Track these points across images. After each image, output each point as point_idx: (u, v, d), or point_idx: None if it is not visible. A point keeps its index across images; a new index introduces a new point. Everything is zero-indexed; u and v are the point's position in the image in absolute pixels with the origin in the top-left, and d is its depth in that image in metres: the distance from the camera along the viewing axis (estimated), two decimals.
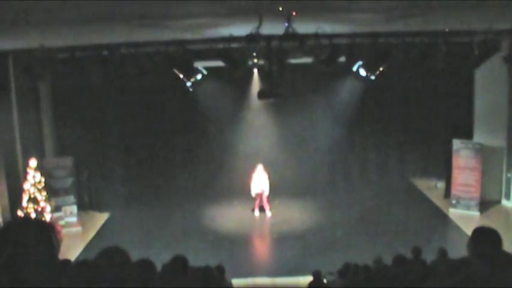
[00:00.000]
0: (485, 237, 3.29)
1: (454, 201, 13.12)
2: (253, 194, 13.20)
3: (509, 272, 3.08)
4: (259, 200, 13.26)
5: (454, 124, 13.91)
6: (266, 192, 13.15)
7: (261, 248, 12.37)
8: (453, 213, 12.95)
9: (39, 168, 11.91)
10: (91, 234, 12.40)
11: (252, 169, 13.32)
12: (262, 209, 13.38)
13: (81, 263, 3.53)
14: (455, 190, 13.13)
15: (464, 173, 12.95)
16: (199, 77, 11.64)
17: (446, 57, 9.97)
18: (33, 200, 11.64)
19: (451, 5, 7.20)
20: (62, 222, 12.37)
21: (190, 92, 12.99)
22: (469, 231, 3.98)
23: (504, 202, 13.54)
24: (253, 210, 13.40)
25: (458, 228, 11.79)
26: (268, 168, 13.38)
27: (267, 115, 15.42)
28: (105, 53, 10.04)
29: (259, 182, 13.09)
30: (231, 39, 9.27)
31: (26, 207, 11.57)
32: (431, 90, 14.52)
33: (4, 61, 11.85)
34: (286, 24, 8.21)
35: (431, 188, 15.03)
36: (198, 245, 11.19)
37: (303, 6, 7.21)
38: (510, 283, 3.03)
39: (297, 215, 13.41)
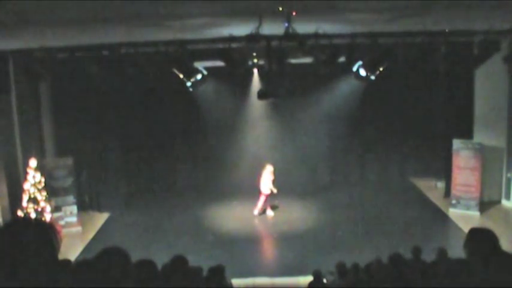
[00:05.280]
0: (482, 237, 3.29)
1: (454, 201, 13.12)
2: (264, 192, 13.14)
3: (508, 272, 3.08)
4: (263, 200, 13.20)
5: (454, 124, 13.90)
6: (275, 192, 13.13)
7: (261, 248, 12.36)
8: (453, 213, 12.95)
9: (39, 168, 11.90)
10: (91, 234, 12.40)
11: (260, 169, 13.25)
12: (262, 210, 13.38)
13: (81, 263, 3.52)
14: (455, 190, 13.13)
15: (464, 173, 12.95)
16: (199, 77, 11.60)
17: (446, 57, 9.98)
18: (33, 200, 11.63)
19: (451, 5, 7.20)
20: (62, 222, 12.37)
21: (190, 92, 12.98)
22: None
23: (504, 202, 13.54)
24: (264, 211, 13.33)
25: (458, 228, 11.78)
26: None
27: (267, 115, 15.42)
28: (105, 53, 10.05)
29: (268, 182, 13.06)
30: (231, 39, 9.28)
31: (26, 207, 11.56)
32: (431, 90, 14.52)
33: (4, 61, 11.85)
34: (286, 24, 8.21)
35: (431, 188, 15.03)
36: (198, 245, 11.20)
37: (303, 6, 7.21)
38: (509, 283, 3.03)
39: (297, 215, 13.41)
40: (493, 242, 3.24)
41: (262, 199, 13.19)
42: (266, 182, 13.06)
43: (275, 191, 13.08)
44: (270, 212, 13.36)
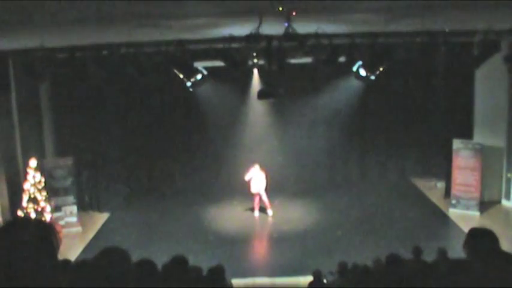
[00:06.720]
0: (482, 237, 3.29)
1: (454, 201, 13.12)
2: (253, 191, 13.16)
3: (508, 271, 3.08)
4: (258, 200, 13.25)
5: (454, 124, 13.91)
6: (261, 192, 13.13)
7: (261, 248, 12.37)
8: (453, 213, 12.95)
9: (39, 168, 11.90)
10: (91, 234, 12.40)
11: (247, 169, 13.24)
12: (262, 209, 13.38)
13: (81, 263, 3.53)
14: (455, 190, 13.13)
15: (464, 173, 12.95)
16: (199, 77, 11.62)
17: (446, 57, 9.98)
18: (33, 200, 11.64)
19: (451, 5, 7.20)
20: (62, 222, 12.37)
21: (190, 92, 12.99)
22: None
23: (504, 202, 13.53)
24: (252, 209, 13.40)
25: (458, 228, 11.79)
26: (267, 168, 13.35)
27: (267, 115, 15.42)
28: (105, 53, 10.05)
29: (256, 181, 13.06)
30: (231, 39, 9.27)
31: (26, 207, 11.57)
32: (431, 90, 14.53)
33: (4, 61, 11.85)
34: (286, 24, 8.21)
35: (431, 188, 15.03)
36: (198, 245, 11.20)
37: (303, 6, 7.21)
38: (510, 282, 3.03)
39: (297, 215, 13.41)
40: (493, 242, 3.24)
41: (256, 199, 13.21)
42: (255, 181, 13.04)
43: (262, 192, 13.07)
44: (269, 212, 13.35)
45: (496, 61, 10.24)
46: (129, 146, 15.23)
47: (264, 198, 13.20)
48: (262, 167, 13.15)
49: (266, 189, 13.14)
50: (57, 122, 14.40)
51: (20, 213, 11.56)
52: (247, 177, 13.05)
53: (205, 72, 11.74)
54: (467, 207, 12.88)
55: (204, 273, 6.72)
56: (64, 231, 12.02)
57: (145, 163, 15.67)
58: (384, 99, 15.10)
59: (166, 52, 10.07)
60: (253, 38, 8.39)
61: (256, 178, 13.05)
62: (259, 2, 6.72)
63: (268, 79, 13.11)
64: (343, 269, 7.37)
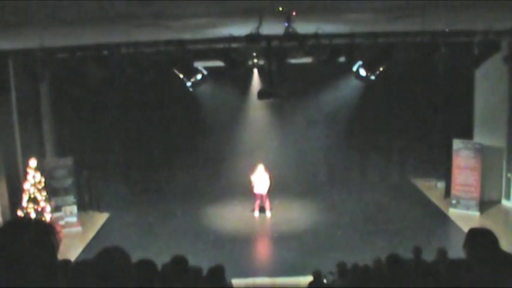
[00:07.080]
0: (481, 237, 3.29)
1: (454, 201, 13.12)
2: (255, 192, 13.16)
3: (508, 272, 3.08)
4: (259, 200, 13.25)
5: (454, 124, 13.90)
6: (264, 193, 13.13)
7: (261, 248, 12.36)
8: (453, 213, 12.95)
9: (39, 168, 11.90)
10: (91, 234, 12.40)
11: (252, 169, 13.27)
12: (262, 209, 13.38)
13: (81, 263, 3.53)
14: (455, 190, 13.13)
15: (464, 173, 12.95)
16: (199, 77, 11.62)
17: (446, 57, 9.98)
18: (33, 200, 11.63)
19: (451, 5, 7.21)
20: (62, 222, 12.37)
21: (190, 92, 12.98)
22: None
23: (504, 202, 13.54)
24: (253, 210, 13.39)
25: (458, 228, 11.79)
26: (268, 168, 13.35)
27: (267, 115, 15.43)
28: (105, 53, 10.05)
29: (260, 182, 13.07)
30: (231, 39, 9.29)
31: (26, 207, 11.57)
32: (431, 90, 14.52)
33: (4, 61, 11.85)
34: (286, 24, 8.22)
35: (431, 188, 15.03)
36: (198, 245, 11.20)
37: (303, 6, 7.21)
38: (509, 283, 3.03)
39: (297, 215, 13.40)
40: (492, 242, 3.24)
41: (257, 200, 13.21)
42: (258, 181, 13.04)
43: (264, 192, 13.07)
44: (268, 213, 13.34)
45: (496, 61, 10.24)
46: (129, 146, 15.23)
47: (266, 200, 13.19)
48: (266, 169, 13.16)
49: (269, 191, 13.15)
50: (57, 122, 14.41)
51: (20, 213, 11.55)
52: (253, 177, 13.04)
53: (205, 72, 11.73)
54: (467, 207, 12.88)
55: (204, 273, 6.73)
56: (64, 231, 12.02)
57: (146, 163, 15.66)
58: (384, 99, 15.09)
59: (166, 52, 10.08)
60: (253, 38, 8.39)
61: (260, 179, 13.05)
62: (259, 2, 6.72)
63: (268, 79, 13.10)
64: (343, 269, 7.36)
